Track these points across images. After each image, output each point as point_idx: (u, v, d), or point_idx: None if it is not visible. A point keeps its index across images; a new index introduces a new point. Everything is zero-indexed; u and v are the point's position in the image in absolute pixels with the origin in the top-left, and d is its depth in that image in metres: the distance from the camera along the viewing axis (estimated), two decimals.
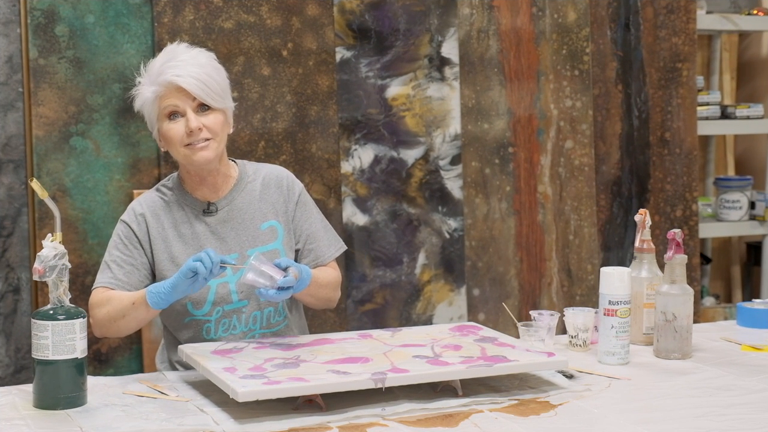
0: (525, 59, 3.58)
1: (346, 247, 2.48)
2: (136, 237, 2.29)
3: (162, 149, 2.32)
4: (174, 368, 2.33)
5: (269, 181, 2.38)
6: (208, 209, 2.32)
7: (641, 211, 2.35)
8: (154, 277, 2.31)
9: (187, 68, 2.22)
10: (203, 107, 2.24)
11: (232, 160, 2.39)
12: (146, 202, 2.34)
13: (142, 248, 2.29)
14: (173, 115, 2.24)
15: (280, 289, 2.10)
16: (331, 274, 2.38)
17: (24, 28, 3.04)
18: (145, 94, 2.26)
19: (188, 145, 2.24)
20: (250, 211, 2.34)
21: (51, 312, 1.91)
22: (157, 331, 2.94)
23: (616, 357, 2.22)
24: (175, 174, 2.38)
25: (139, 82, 2.30)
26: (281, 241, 2.34)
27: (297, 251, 2.38)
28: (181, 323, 2.30)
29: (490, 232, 3.54)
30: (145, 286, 2.24)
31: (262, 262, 2.11)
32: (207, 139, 2.24)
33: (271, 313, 2.32)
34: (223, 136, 2.28)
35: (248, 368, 1.97)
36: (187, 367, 2.24)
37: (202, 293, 2.26)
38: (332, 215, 3.30)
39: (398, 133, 3.41)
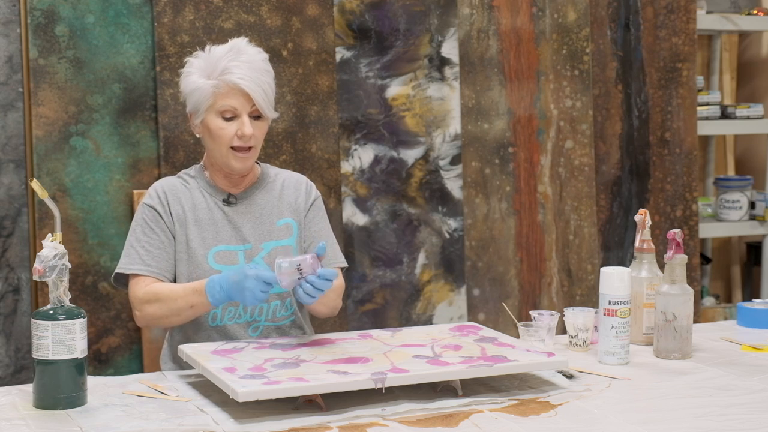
0: (525, 59, 3.58)
1: (348, 266, 2.49)
2: (162, 218, 2.32)
3: (197, 135, 2.34)
4: (182, 367, 2.33)
5: (289, 183, 2.43)
6: (227, 199, 2.36)
7: (641, 211, 2.35)
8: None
9: (251, 73, 2.25)
10: (255, 114, 2.28)
11: (256, 162, 2.43)
12: (166, 184, 2.37)
13: (168, 229, 2.32)
14: (226, 114, 2.26)
15: (325, 279, 2.10)
16: (338, 281, 2.39)
17: (24, 28, 3.04)
18: (198, 82, 2.27)
19: (234, 148, 2.27)
20: (268, 207, 2.38)
21: (51, 312, 1.91)
22: (157, 332, 2.94)
23: (616, 357, 2.22)
24: (197, 165, 2.42)
25: (190, 62, 2.31)
26: (295, 239, 2.37)
27: (304, 251, 2.40)
28: None
29: (490, 232, 3.54)
30: (173, 268, 2.29)
31: (287, 259, 2.10)
32: (250, 148, 2.29)
33: (278, 307, 2.34)
34: (262, 143, 2.34)
35: (248, 368, 1.97)
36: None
37: None
38: (332, 215, 3.30)
39: (398, 133, 3.41)
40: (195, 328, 2.32)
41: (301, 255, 2.13)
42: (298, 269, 2.08)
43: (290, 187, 2.42)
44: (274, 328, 2.34)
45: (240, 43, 2.30)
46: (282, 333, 2.35)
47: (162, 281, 2.29)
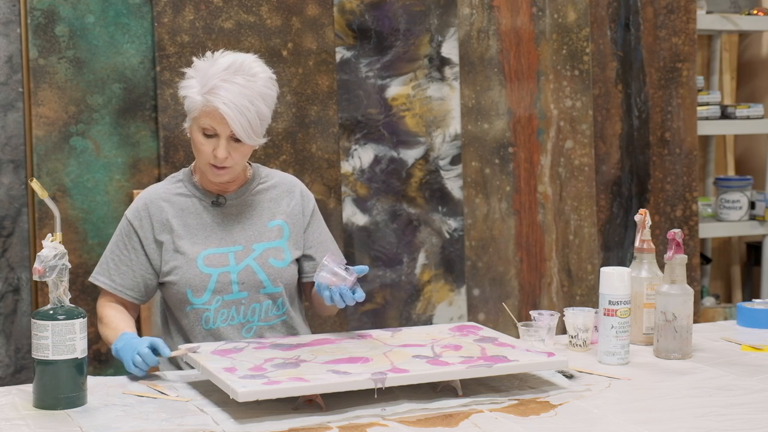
0: (525, 59, 3.58)
1: (346, 262, 2.51)
2: (137, 234, 2.34)
3: (188, 135, 2.34)
4: (178, 367, 2.33)
5: (281, 185, 2.42)
6: (216, 201, 2.35)
7: (641, 211, 2.35)
8: (155, 272, 2.34)
9: (238, 99, 2.20)
10: (236, 138, 2.25)
11: (248, 162, 2.42)
12: (152, 194, 2.37)
13: (142, 246, 2.33)
14: (207, 132, 2.26)
15: (355, 299, 2.18)
16: None
17: (24, 28, 3.05)
18: (192, 89, 2.26)
19: (211, 164, 2.27)
20: (258, 209, 2.38)
21: (51, 312, 1.91)
22: (157, 332, 2.94)
23: (616, 357, 2.22)
24: (186, 168, 2.41)
25: (195, 64, 2.29)
26: (286, 240, 2.37)
27: (306, 256, 2.41)
28: (183, 311, 2.33)
29: (490, 232, 3.54)
30: (140, 286, 2.34)
31: (334, 262, 2.17)
32: (227, 167, 2.28)
33: (269, 307, 2.35)
34: (245, 160, 2.33)
35: (248, 368, 1.97)
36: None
37: (203, 281, 2.29)
38: (332, 215, 3.30)
39: (398, 133, 3.41)
40: (190, 330, 2.33)
41: (346, 271, 2.19)
42: (339, 274, 2.17)
43: (283, 190, 2.42)
44: (267, 327, 2.35)
45: (244, 61, 2.25)
46: (275, 332, 2.36)
47: (122, 298, 2.34)
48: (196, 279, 2.28)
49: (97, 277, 2.36)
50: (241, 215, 2.36)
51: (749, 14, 4.19)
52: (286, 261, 2.35)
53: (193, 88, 2.26)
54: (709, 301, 4.21)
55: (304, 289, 2.47)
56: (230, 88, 2.21)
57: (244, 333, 2.33)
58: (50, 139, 3.03)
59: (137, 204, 2.36)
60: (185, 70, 2.33)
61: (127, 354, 2.10)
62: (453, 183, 3.48)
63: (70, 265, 1.94)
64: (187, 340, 2.33)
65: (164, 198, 2.35)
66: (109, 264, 2.35)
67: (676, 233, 2.29)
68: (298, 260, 2.41)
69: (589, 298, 3.63)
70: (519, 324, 2.31)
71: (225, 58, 2.26)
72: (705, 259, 4.26)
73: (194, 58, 2.33)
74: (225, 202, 2.36)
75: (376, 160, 3.39)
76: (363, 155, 3.38)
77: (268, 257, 2.33)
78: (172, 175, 2.42)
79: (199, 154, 2.28)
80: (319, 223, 2.45)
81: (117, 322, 2.28)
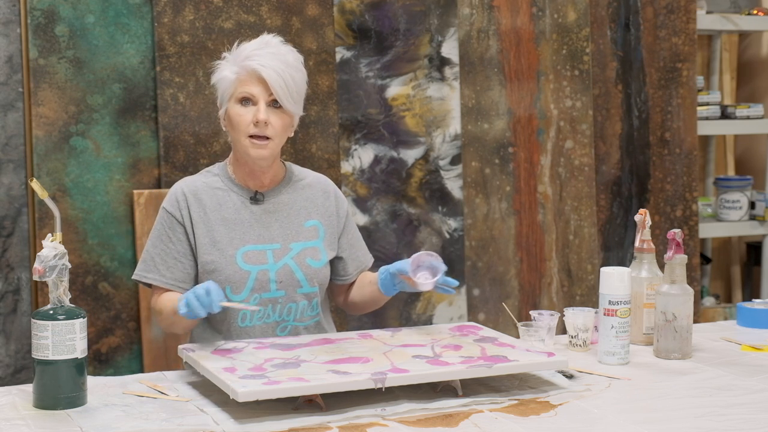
0: (525, 59, 3.58)
1: (373, 259, 2.55)
2: (178, 222, 2.31)
3: (224, 128, 2.34)
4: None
5: (315, 185, 2.43)
6: (254, 197, 2.35)
7: (641, 211, 2.35)
8: (196, 263, 2.32)
9: (273, 62, 2.26)
10: (275, 103, 2.27)
11: (282, 162, 2.43)
12: (189, 185, 2.35)
13: (186, 234, 2.31)
14: (245, 101, 2.27)
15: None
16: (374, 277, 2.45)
17: (24, 28, 3.05)
18: (224, 71, 2.29)
19: (251, 136, 2.26)
20: (295, 207, 2.38)
21: (51, 312, 1.91)
22: (157, 332, 2.94)
23: (616, 357, 2.22)
24: (221, 162, 2.40)
25: (224, 57, 2.33)
26: (321, 241, 2.38)
27: (341, 258, 2.43)
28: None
29: (490, 232, 3.54)
30: (191, 276, 2.31)
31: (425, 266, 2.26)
32: (267, 138, 2.27)
33: (305, 307, 2.34)
34: (283, 137, 2.32)
35: (248, 368, 1.97)
36: None
37: (242, 278, 2.28)
38: None
39: (398, 133, 3.41)
40: (226, 327, 2.31)
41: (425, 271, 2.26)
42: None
43: (317, 190, 2.42)
44: (302, 327, 2.35)
45: (271, 38, 2.32)
46: (308, 332, 2.35)
47: (177, 291, 2.30)
48: (235, 276, 2.27)
49: (145, 275, 2.31)
50: (278, 213, 2.35)
51: (749, 14, 4.19)
52: (322, 261, 2.36)
53: (225, 70, 2.29)
54: (709, 301, 4.21)
55: (338, 291, 2.48)
56: (264, 54, 2.26)
57: (279, 332, 2.32)
58: (50, 139, 3.03)
59: (175, 194, 2.34)
60: (216, 62, 2.35)
61: (185, 295, 2.11)
62: (453, 183, 3.48)
63: (70, 265, 1.94)
64: (218, 336, 2.31)
65: (202, 189, 2.34)
66: (155, 260, 2.30)
67: (676, 233, 2.29)
68: (331, 261, 2.41)
69: (589, 298, 3.63)
70: (519, 324, 2.31)
71: (253, 41, 2.31)
72: (705, 259, 4.26)
73: (224, 53, 2.34)
74: (263, 199, 2.35)
75: (376, 160, 3.40)
76: (363, 155, 3.38)
77: (305, 257, 2.33)
78: (206, 169, 2.40)
79: (238, 129, 2.27)
80: (352, 224, 2.47)
81: (174, 298, 2.26)
